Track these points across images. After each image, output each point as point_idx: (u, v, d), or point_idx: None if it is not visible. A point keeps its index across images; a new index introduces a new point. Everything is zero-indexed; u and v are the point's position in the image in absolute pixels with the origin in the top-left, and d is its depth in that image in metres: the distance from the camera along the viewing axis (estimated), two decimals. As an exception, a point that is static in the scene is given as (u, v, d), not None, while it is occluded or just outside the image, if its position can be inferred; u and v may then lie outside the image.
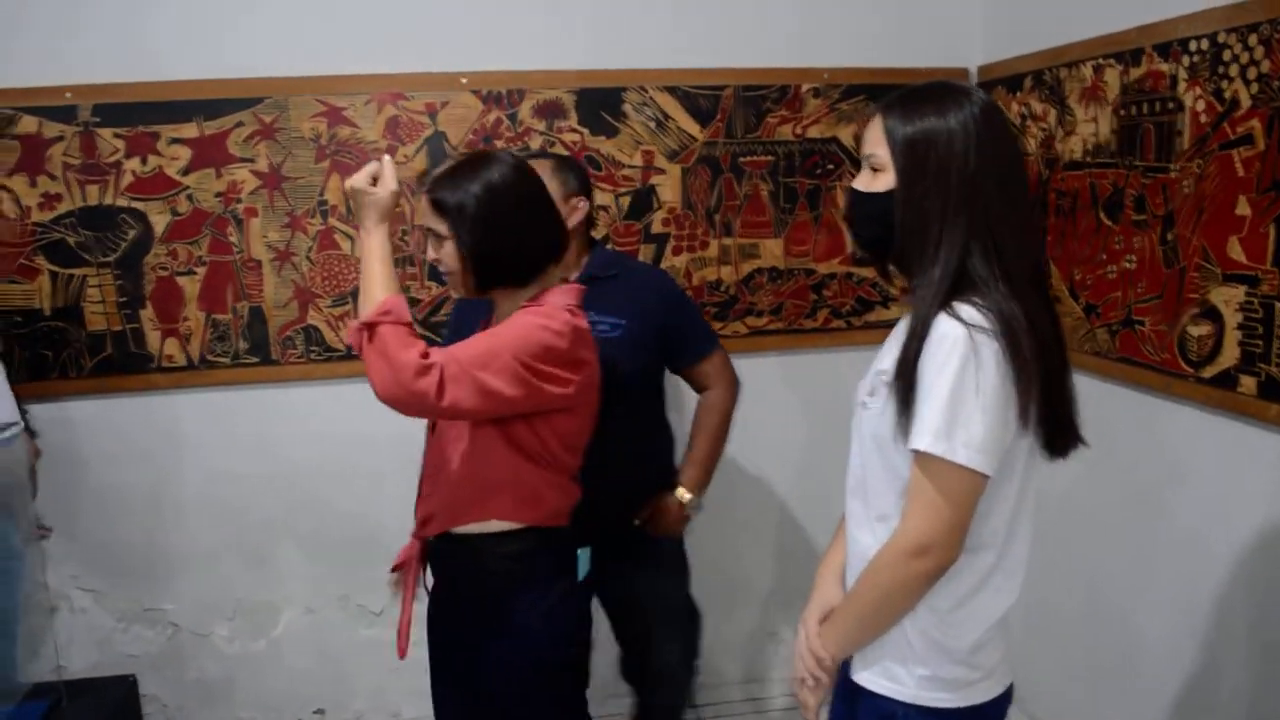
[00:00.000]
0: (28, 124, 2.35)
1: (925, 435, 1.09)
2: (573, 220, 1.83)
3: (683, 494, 1.97)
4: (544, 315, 1.44)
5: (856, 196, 1.20)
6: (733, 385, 2.03)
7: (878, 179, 1.17)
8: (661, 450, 2.09)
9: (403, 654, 1.66)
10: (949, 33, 2.57)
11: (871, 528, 1.22)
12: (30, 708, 1.63)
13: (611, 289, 1.86)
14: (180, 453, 2.49)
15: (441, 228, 1.46)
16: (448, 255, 1.47)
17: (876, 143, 1.16)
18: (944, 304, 1.10)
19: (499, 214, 1.44)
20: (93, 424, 2.43)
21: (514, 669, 1.52)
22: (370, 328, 1.35)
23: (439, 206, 1.46)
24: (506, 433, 1.47)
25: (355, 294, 2.44)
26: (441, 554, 1.61)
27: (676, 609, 2.17)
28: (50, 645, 2.18)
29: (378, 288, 1.39)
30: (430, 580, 1.67)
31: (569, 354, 1.44)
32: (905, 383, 1.11)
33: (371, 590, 2.50)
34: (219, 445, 2.50)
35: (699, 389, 2.04)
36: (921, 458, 1.10)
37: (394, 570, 1.74)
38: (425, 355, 1.35)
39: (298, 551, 2.57)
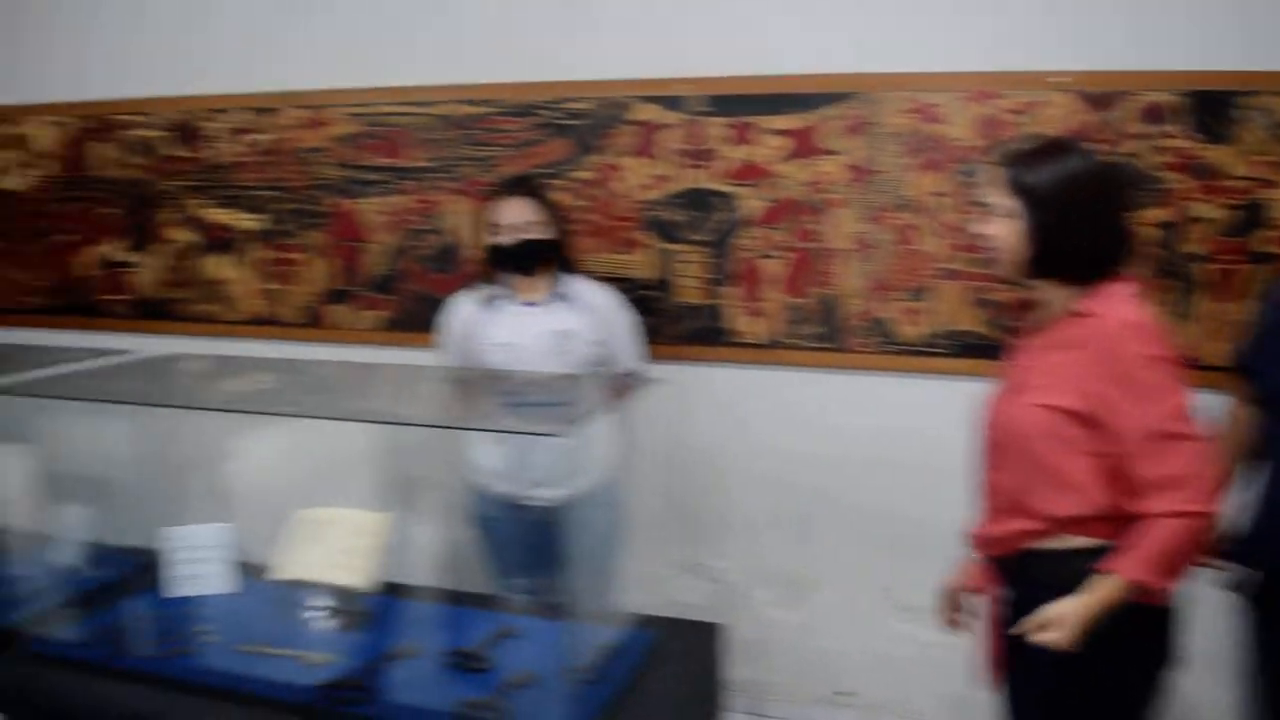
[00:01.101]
0: (646, 111, 3.04)
1: None
2: None
3: None
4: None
5: None
6: None
7: None
8: None
9: (994, 684, 1.92)
10: None
11: None
12: (640, 635, 2.07)
13: None
14: (744, 422, 3.00)
15: (1006, 203, 1.62)
16: (1004, 232, 1.64)
17: None
18: None
19: (1080, 204, 1.59)
20: (669, 386, 3.10)
21: (1100, 690, 1.72)
22: None
23: (1015, 183, 1.61)
24: (1101, 456, 1.68)
25: (922, 291, 2.90)
26: (1022, 570, 1.81)
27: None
28: (655, 585, 2.89)
29: None
30: (998, 594, 1.90)
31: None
32: None
33: (913, 586, 2.88)
34: (778, 421, 2.98)
35: None
36: None
37: (965, 591, 2.02)
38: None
39: (843, 534, 2.99)
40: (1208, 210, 2.63)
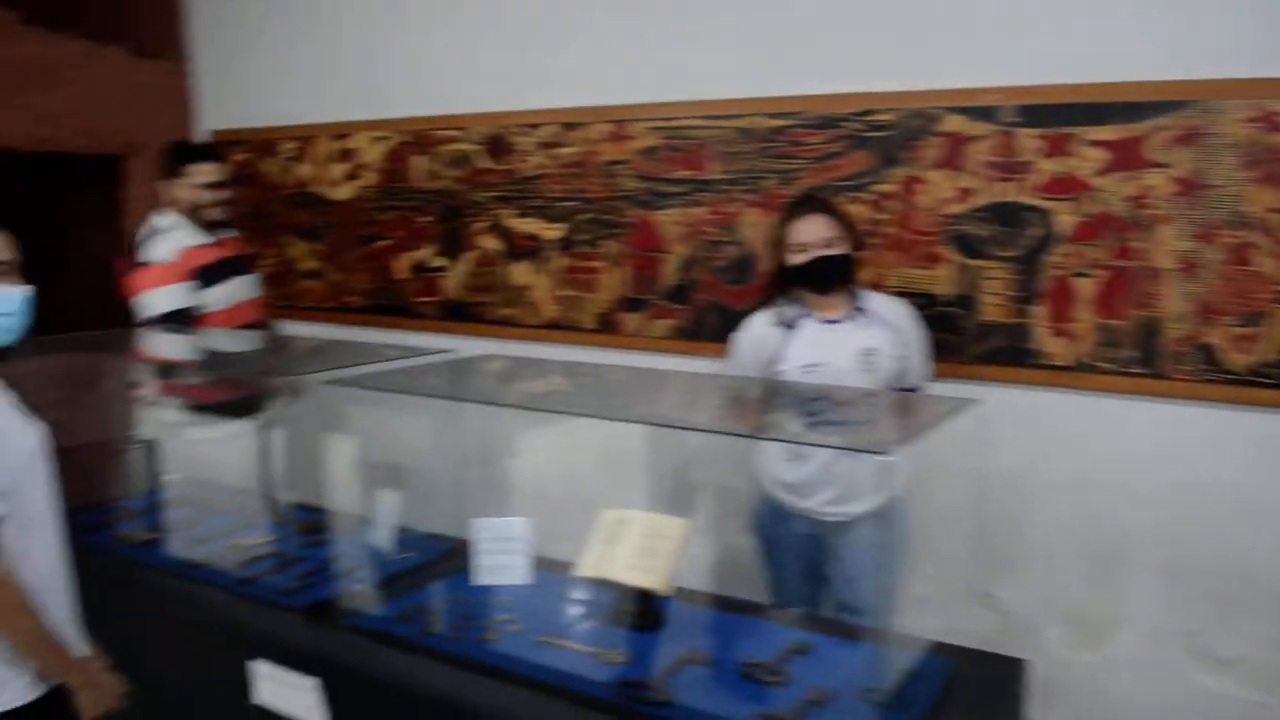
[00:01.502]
0: (954, 122, 3.14)
1: None
2: None
3: None
4: None
5: None
6: None
7: None
8: None
9: None
10: None
11: None
12: (937, 662, 2.09)
13: None
14: (1045, 448, 2.95)
15: None
16: None
17: None
18: None
19: None
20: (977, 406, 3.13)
21: None
22: None
23: None
24: None
25: (1262, 316, 2.78)
26: None
27: None
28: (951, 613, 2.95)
29: None
30: None
31: None
32: None
33: (1225, 637, 2.78)
34: (1083, 449, 2.91)
35: None
36: None
37: None
38: None
39: (1148, 575, 2.89)
40: None
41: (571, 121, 3.56)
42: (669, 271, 3.43)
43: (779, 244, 2.62)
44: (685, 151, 3.35)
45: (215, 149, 3.01)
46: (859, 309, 2.60)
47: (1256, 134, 2.67)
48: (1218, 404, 2.78)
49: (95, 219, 4.49)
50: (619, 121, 3.46)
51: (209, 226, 3.29)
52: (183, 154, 3.29)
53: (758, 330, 2.68)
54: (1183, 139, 2.73)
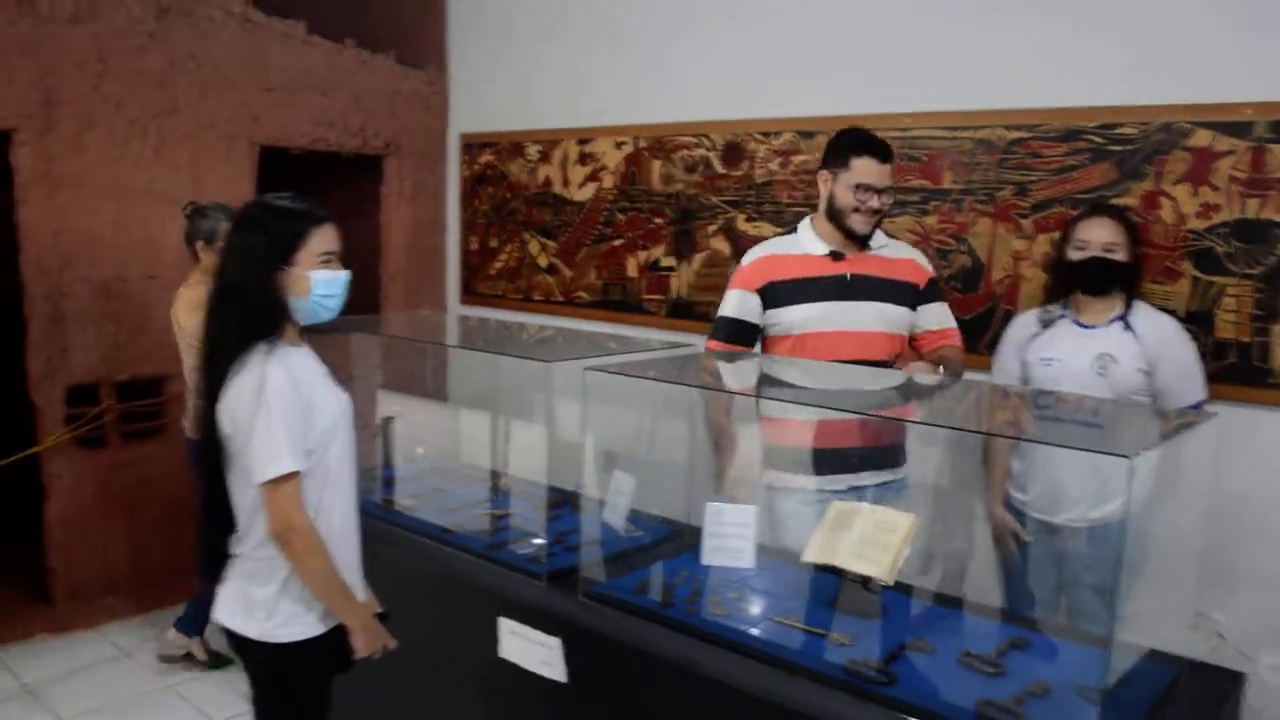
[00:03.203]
0: (1200, 137, 3.08)
1: None
2: None
3: None
4: None
5: None
6: None
7: None
8: None
9: None
10: None
11: None
12: (1160, 671, 2.13)
13: None
14: (1274, 470, 2.96)
15: None
16: None
17: None
18: None
19: None
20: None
21: None
22: None
23: None
24: None
25: None
26: None
27: None
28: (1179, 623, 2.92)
29: None
30: None
31: None
32: None
33: None
34: None
35: None
36: None
37: None
38: None
39: None
40: None
41: (807, 130, 3.70)
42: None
43: (1065, 241, 2.73)
44: (920, 161, 3.43)
45: (885, 146, 2.62)
46: (1121, 319, 2.63)
47: None
48: None
49: (358, 213, 4.94)
50: (853, 131, 3.56)
51: (851, 236, 2.69)
52: (851, 143, 2.66)
53: (1019, 325, 2.84)
54: None
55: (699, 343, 3.67)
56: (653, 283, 4.16)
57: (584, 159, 4.34)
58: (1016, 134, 3.22)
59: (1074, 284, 2.70)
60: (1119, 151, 3.05)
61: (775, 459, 2.75)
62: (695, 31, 3.97)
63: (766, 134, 3.78)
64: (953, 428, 2.68)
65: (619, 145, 4.22)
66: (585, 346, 3.21)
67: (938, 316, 2.78)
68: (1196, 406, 2.67)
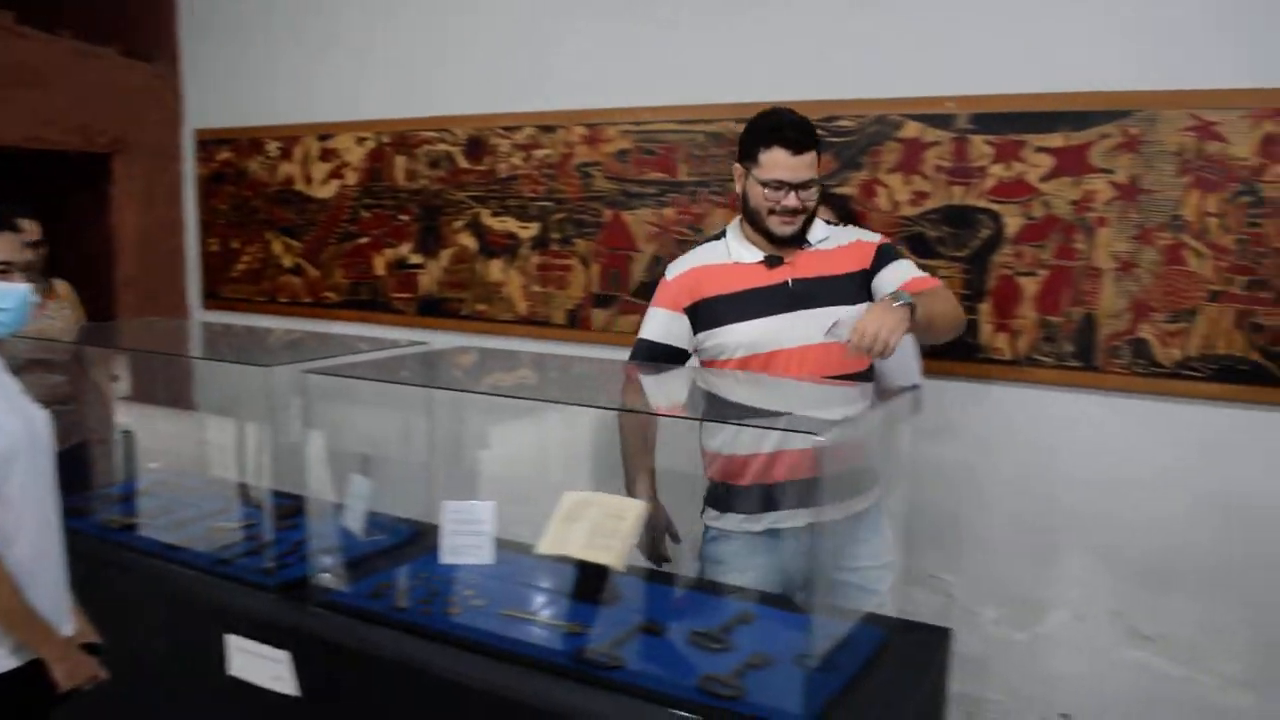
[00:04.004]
0: (910, 129, 3.28)
1: None
2: None
3: None
4: None
5: None
6: None
7: None
8: None
9: None
10: None
11: None
12: (870, 632, 2.24)
13: None
14: (988, 439, 3.12)
15: None
16: None
17: None
18: None
19: None
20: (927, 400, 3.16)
21: None
22: None
23: None
24: None
25: (1193, 314, 2.98)
26: None
27: None
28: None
29: None
30: None
31: None
32: None
33: (1151, 614, 2.97)
34: (1025, 439, 3.08)
35: None
36: None
37: None
38: None
39: (1083, 557, 3.05)
40: None
41: (548, 125, 3.69)
42: (638, 270, 3.57)
43: None
44: (656, 155, 3.48)
45: (801, 132, 2.29)
46: None
47: (1192, 142, 2.83)
48: (1149, 396, 2.96)
49: (84, 217, 4.59)
50: (594, 125, 3.61)
51: (773, 240, 2.38)
52: (759, 132, 2.32)
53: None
54: (1124, 146, 2.89)
55: (452, 339, 3.61)
56: (401, 280, 4.06)
57: (326, 155, 4.20)
58: (745, 126, 3.29)
59: None
60: (839, 143, 3.18)
61: (720, 496, 2.50)
62: (436, 25, 3.90)
63: (508, 128, 3.75)
64: (645, 413, 2.66)
65: (361, 141, 4.10)
66: (335, 348, 3.10)
67: (898, 274, 2.33)
68: (914, 388, 2.73)
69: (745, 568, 2.50)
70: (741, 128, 3.15)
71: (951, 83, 3.08)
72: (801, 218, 2.30)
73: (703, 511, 2.49)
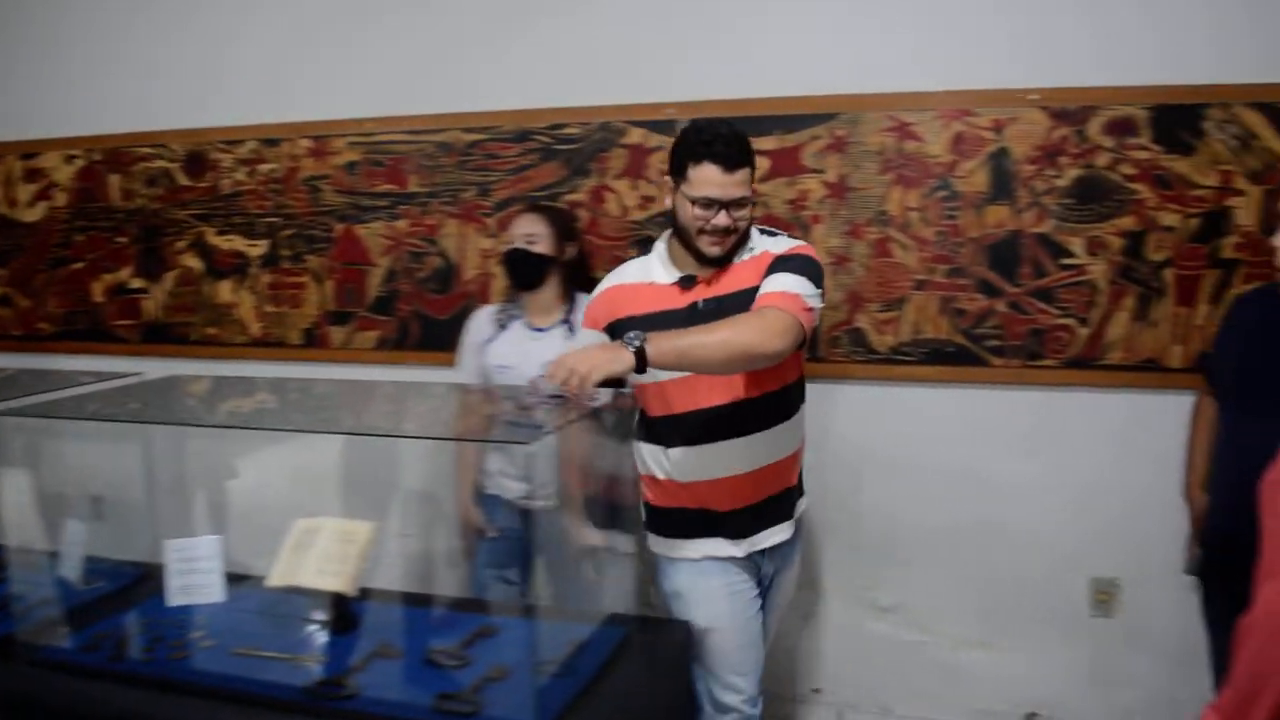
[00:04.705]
0: (634, 135, 3.35)
1: None
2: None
3: None
4: None
5: None
6: None
7: None
8: None
9: None
10: None
11: None
12: (610, 632, 2.26)
13: None
14: None
15: None
16: None
17: None
18: None
19: None
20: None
21: None
22: None
23: None
24: None
25: (902, 302, 3.21)
26: None
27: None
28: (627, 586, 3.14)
29: None
30: None
31: None
32: None
33: (889, 587, 3.18)
34: None
35: None
36: None
37: None
38: None
39: (819, 536, 3.23)
40: (1173, 219, 2.89)
41: (271, 137, 3.55)
42: (373, 284, 3.49)
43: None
44: (386, 166, 3.41)
45: (735, 147, 2.16)
46: (568, 320, 2.68)
47: (893, 142, 3.00)
48: (869, 382, 3.15)
49: None
50: (319, 137, 3.49)
51: (703, 260, 2.25)
52: (690, 146, 2.18)
53: (477, 324, 2.86)
54: (832, 147, 3.04)
55: (181, 367, 3.41)
56: (122, 307, 3.82)
57: (31, 175, 3.88)
58: (474, 136, 3.29)
59: (508, 277, 2.80)
60: (566, 150, 3.21)
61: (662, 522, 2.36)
62: (142, 33, 3.69)
63: (229, 143, 3.59)
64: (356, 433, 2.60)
65: (70, 159, 3.83)
66: (54, 384, 2.85)
67: (774, 283, 2.14)
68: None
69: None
70: (471, 137, 3.15)
71: (671, 89, 3.16)
72: (733, 238, 2.17)
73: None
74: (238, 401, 3.06)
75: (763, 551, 2.30)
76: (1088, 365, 2.94)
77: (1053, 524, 3.01)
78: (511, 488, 2.81)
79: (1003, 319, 2.97)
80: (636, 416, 2.39)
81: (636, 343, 1.87)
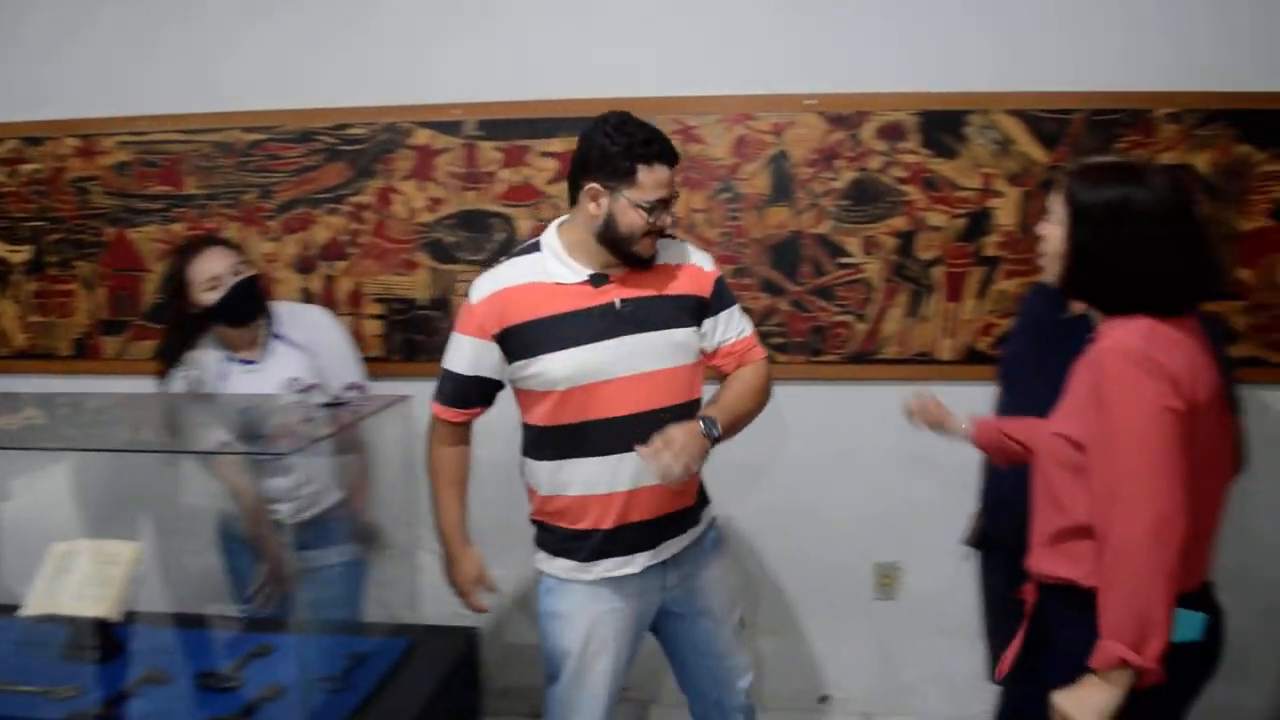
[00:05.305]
0: (421, 136, 3.31)
1: None
2: None
3: None
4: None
5: None
6: None
7: None
8: None
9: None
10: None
11: None
12: (394, 643, 2.26)
13: None
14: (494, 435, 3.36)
15: (1060, 212, 1.66)
16: (1053, 240, 1.67)
17: None
18: None
19: (1123, 233, 1.58)
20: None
21: None
22: None
23: (1070, 195, 1.64)
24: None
25: None
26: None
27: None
28: (409, 594, 3.08)
29: None
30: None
31: None
32: None
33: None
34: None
35: None
36: None
37: None
38: None
39: None
40: (940, 219, 3.05)
41: (34, 136, 3.32)
42: (149, 291, 3.31)
43: (183, 287, 2.51)
44: (161, 167, 3.25)
45: (670, 142, 2.11)
46: (276, 337, 2.57)
47: (678, 144, 3.00)
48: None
49: None
50: (88, 136, 3.30)
51: (633, 262, 2.11)
52: (635, 147, 2.05)
53: (207, 366, 2.60)
54: (619, 150, 3.02)
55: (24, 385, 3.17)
56: None
57: None
58: (254, 136, 3.18)
59: (223, 322, 2.58)
60: (351, 151, 3.13)
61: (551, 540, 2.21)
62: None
63: (-16, 142, 3.33)
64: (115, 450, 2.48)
65: None
66: None
67: (736, 326, 2.17)
68: (356, 386, 2.73)
69: None
70: (251, 137, 3.03)
71: (457, 90, 3.12)
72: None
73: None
74: (3, 419, 2.86)
75: (663, 563, 2.15)
76: (866, 360, 3.06)
77: (840, 514, 3.11)
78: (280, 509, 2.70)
79: (786, 317, 3.05)
80: (525, 432, 2.19)
81: (715, 432, 2.03)
